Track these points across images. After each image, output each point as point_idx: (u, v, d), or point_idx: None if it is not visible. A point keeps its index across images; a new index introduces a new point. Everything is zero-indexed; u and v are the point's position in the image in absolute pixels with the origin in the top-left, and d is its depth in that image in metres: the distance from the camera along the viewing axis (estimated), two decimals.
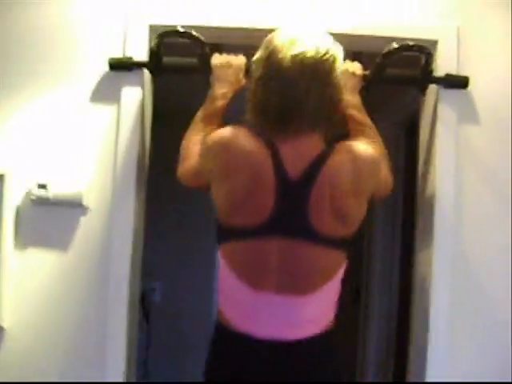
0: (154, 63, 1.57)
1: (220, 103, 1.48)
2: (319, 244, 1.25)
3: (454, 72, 1.61)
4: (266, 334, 1.25)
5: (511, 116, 1.63)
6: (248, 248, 1.27)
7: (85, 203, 1.62)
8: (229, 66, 1.51)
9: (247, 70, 1.50)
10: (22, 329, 1.64)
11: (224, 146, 1.27)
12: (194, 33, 1.46)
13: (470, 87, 1.61)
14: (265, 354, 1.26)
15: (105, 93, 1.65)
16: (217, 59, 1.52)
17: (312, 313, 1.29)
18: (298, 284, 1.27)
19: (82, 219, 1.64)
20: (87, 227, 1.64)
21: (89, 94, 1.65)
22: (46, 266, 1.64)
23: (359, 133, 1.45)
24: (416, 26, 1.63)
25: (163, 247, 4.28)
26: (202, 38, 1.48)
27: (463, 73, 1.62)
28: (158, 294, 4.45)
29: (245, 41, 1.64)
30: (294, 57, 1.20)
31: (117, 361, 1.60)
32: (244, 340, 1.27)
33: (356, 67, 1.51)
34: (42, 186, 1.61)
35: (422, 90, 1.60)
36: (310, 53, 1.20)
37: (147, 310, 4.37)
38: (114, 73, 1.63)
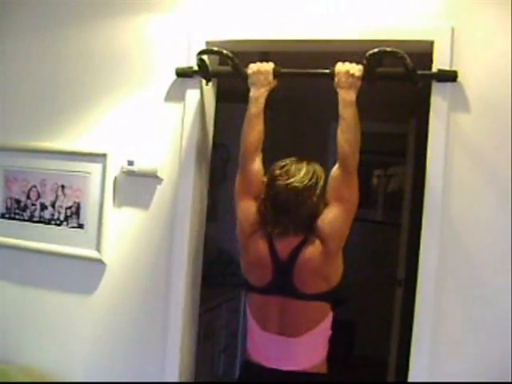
0: (204, 72, 2.10)
1: (260, 102, 1.93)
2: (302, 299, 1.79)
3: (448, 67, 1.90)
4: (270, 364, 1.82)
5: (501, 105, 1.86)
6: (259, 300, 1.89)
7: (159, 175, 2.22)
8: (260, 72, 1.94)
9: (275, 73, 1.96)
10: (119, 265, 2.30)
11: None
12: (224, 51, 1.96)
13: (462, 80, 1.88)
14: (269, 379, 1.83)
15: (174, 94, 2.22)
16: (250, 68, 1.95)
17: (302, 351, 1.81)
18: (291, 328, 1.81)
19: (158, 187, 2.24)
20: (161, 193, 2.24)
21: (163, 95, 2.23)
22: (134, 219, 2.27)
23: (345, 129, 1.82)
24: (412, 28, 1.94)
25: None
26: (230, 54, 1.96)
27: (456, 68, 1.89)
28: None
29: (288, 49, 2.13)
30: (288, 185, 1.78)
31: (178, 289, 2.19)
32: (256, 367, 1.85)
33: (356, 69, 1.86)
34: (130, 163, 2.24)
35: (415, 84, 1.91)
36: (299, 182, 1.78)
37: None
38: (180, 79, 2.20)
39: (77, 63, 2.37)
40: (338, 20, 2.02)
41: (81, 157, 2.31)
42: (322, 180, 1.83)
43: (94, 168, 2.29)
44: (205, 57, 2.06)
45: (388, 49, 1.75)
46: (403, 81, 1.90)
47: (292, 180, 1.78)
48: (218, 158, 4.58)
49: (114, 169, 2.28)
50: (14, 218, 2.43)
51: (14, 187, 2.43)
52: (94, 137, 2.33)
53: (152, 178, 2.22)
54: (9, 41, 2.49)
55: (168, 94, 2.23)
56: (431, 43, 1.92)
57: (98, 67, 2.33)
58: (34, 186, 2.39)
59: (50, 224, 2.37)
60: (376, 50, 1.76)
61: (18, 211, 2.43)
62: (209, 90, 2.23)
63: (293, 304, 1.79)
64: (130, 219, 2.28)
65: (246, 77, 1.97)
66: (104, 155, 2.27)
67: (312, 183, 1.79)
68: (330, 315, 1.85)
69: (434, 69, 1.91)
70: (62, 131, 2.37)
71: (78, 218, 2.32)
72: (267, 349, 1.84)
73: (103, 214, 2.27)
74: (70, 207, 2.34)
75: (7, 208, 2.44)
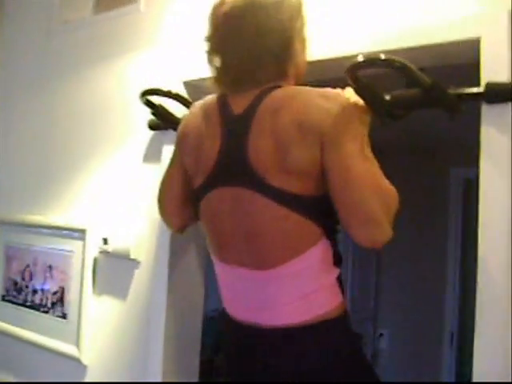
0: (166, 120, 1.59)
1: None
2: (267, 196, 1.04)
3: (505, 79, 1.11)
4: (243, 317, 1.13)
5: None
6: (205, 205, 1.15)
7: (134, 257, 1.73)
8: None
9: None
10: (99, 366, 1.85)
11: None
12: (173, 90, 1.47)
13: None
14: (246, 341, 1.14)
15: (151, 153, 1.75)
16: None
17: (282, 294, 1.07)
18: (255, 253, 1.07)
19: (136, 271, 1.76)
20: (138, 278, 1.75)
21: (141, 155, 1.78)
22: (113, 310, 1.81)
23: None
24: (445, 25, 1.19)
25: (394, 295, 4.12)
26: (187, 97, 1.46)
27: None
28: (385, 340, 4.24)
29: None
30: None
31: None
32: (231, 324, 1.17)
33: (349, 93, 1.20)
34: (105, 241, 1.80)
35: (449, 114, 1.14)
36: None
37: (373, 356, 4.20)
38: (160, 133, 1.72)
39: (64, 123, 2.05)
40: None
41: (64, 232, 1.95)
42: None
43: (76, 246, 1.90)
44: (166, 101, 1.56)
45: (382, 56, 1.04)
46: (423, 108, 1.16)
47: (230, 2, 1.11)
48: None
49: (94, 247, 1.86)
50: (11, 302, 2.15)
51: (13, 266, 2.16)
52: (75, 209, 1.95)
53: (127, 259, 1.75)
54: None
55: (146, 153, 1.77)
56: (474, 43, 1.15)
57: (82, 125, 1.98)
58: (28, 266, 2.09)
59: (39, 311, 2.03)
60: (361, 58, 1.05)
61: (14, 293, 2.14)
62: None
63: (250, 201, 1.06)
64: (108, 309, 1.82)
65: None
66: (83, 231, 1.87)
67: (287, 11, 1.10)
68: (325, 242, 1.08)
69: (482, 83, 1.13)
70: (49, 203, 2.05)
71: (63, 305, 1.94)
72: (234, 294, 1.16)
73: (82, 302, 1.86)
74: (55, 292, 1.97)
75: (7, 289, 2.18)
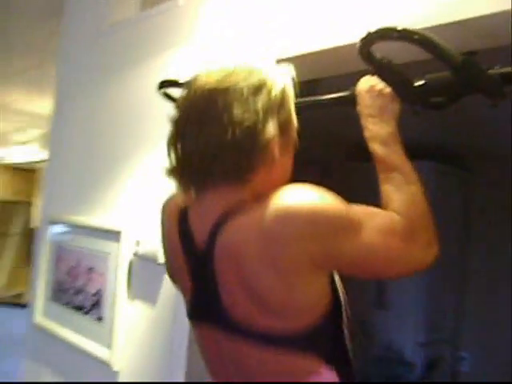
0: None
1: None
2: (248, 342, 0.92)
3: None
4: None
5: None
6: (195, 334, 1.09)
7: (160, 261, 1.65)
8: None
9: None
10: (129, 373, 1.79)
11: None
12: None
13: None
14: None
15: None
16: None
17: None
18: None
19: (164, 276, 1.68)
20: (168, 283, 1.66)
21: None
22: (143, 316, 1.75)
23: (383, 180, 1.00)
24: None
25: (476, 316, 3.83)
26: None
27: None
28: (467, 364, 3.91)
29: None
30: (195, 91, 0.95)
31: None
32: None
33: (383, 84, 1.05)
34: (137, 243, 1.75)
35: (491, 100, 0.93)
36: (213, 80, 0.94)
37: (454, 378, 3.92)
38: None
39: (109, 124, 2.03)
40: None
41: (103, 233, 1.93)
42: (278, 88, 0.93)
43: (113, 247, 1.87)
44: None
45: (392, 27, 0.87)
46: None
47: (205, 80, 0.93)
48: None
49: (129, 249, 1.81)
50: (57, 301, 2.16)
51: (61, 266, 2.17)
52: (113, 211, 1.92)
53: (155, 262, 1.67)
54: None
55: None
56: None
57: (124, 126, 1.95)
58: (73, 267, 2.09)
59: (80, 312, 2.01)
60: (372, 30, 0.89)
61: (60, 294, 2.15)
62: None
63: (236, 348, 0.95)
64: (140, 314, 1.76)
65: None
66: (118, 233, 1.83)
67: (250, 83, 0.91)
68: (325, 371, 0.93)
69: None
70: (94, 205, 2.04)
71: (99, 308, 1.91)
72: None
73: (116, 306, 1.81)
74: (94, 294, 1.95)
75: (54, 290, 2.19)
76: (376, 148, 1.03)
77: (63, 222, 2.18)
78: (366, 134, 1.05)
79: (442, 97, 1.02)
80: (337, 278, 0.98)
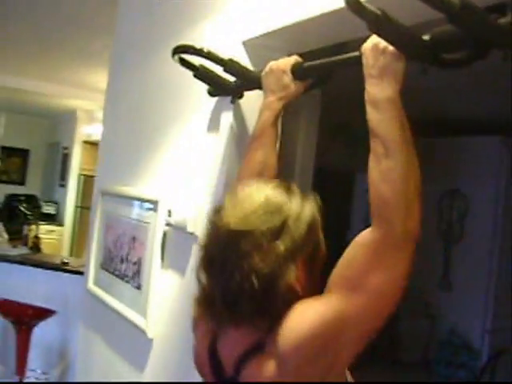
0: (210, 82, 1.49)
1: (264, 116, 1.29)
2: None
3: None
4: None
5: None
6: None
7: (190, 230, 1.66)
8: (270, 72, 1.29)
9: (295, 73, 1.23)
10: (163, 339, 1.82)
11: None
12: (206, 48, 1.34)
13: None
14: None
15: (212, 123, 1.65)
16: (266, 68, 1.32)
17: None
18: None
19: (193, 246, 1.68)
20: (195, 251, 1.67)
21: (205, 125, 1.69)
22: (174, 284, 1.77)
23: (371, 148, 0.95)
24: None
25: None
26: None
27: None
28: None
29: None
30: (219, 228, 0.99)
31: None
32: None
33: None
34: (169, 213, 1.76)
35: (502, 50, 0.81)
36: (235, 219, 0.96)
37: None
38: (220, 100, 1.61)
39: (153, 98, 2.06)
40: None
41: (144, 203, 1.97)
42: (302, 225, 0.95)
43: (152, 217, 1.90)
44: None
45: None
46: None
47: (226, 220, 0.95)
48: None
49: (164, 219, 1.83)
50: (106, 269, 2.25)
51: (109, 235, 2.25)
52: (154, 181, 1.95)
53: (186, 233, 1.68)
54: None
55: (208, 124, 1.67)
56: None
57: (164, 100, 1.97)
58: (119, 237, 2.16)
59: (123, 280, 2.08)
60: None
61: (108, 262, 2.24)
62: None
63: None
64: (172, 283, 1.79)
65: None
66: (156, 202, 1.86)
67: (270, 226, 0.92)
68: None
69: None
70: (139, 176, 2.08)
71: (139, 277, 1.96)
72: None
73: (151, 275, 1.85)
74: (135, 263, 2.00)
75: (104, 257, 2.28)
76: (369, 112, 0.96)
77: (112, 193, 2.25)
78: (365, 96, 0.97)
79: (453, 53, 0.92)
80: None
